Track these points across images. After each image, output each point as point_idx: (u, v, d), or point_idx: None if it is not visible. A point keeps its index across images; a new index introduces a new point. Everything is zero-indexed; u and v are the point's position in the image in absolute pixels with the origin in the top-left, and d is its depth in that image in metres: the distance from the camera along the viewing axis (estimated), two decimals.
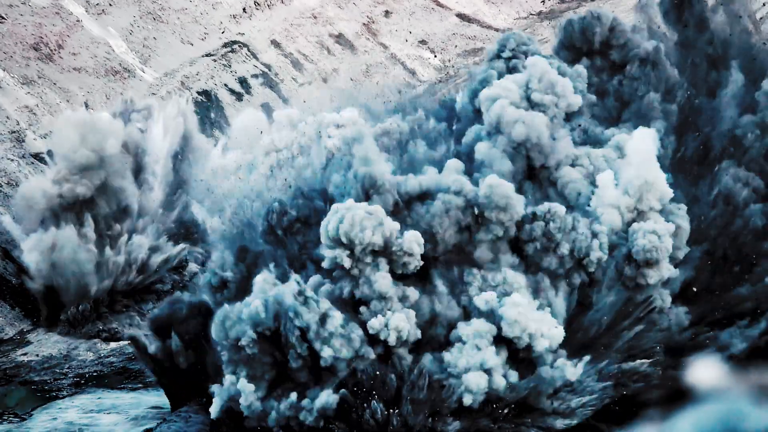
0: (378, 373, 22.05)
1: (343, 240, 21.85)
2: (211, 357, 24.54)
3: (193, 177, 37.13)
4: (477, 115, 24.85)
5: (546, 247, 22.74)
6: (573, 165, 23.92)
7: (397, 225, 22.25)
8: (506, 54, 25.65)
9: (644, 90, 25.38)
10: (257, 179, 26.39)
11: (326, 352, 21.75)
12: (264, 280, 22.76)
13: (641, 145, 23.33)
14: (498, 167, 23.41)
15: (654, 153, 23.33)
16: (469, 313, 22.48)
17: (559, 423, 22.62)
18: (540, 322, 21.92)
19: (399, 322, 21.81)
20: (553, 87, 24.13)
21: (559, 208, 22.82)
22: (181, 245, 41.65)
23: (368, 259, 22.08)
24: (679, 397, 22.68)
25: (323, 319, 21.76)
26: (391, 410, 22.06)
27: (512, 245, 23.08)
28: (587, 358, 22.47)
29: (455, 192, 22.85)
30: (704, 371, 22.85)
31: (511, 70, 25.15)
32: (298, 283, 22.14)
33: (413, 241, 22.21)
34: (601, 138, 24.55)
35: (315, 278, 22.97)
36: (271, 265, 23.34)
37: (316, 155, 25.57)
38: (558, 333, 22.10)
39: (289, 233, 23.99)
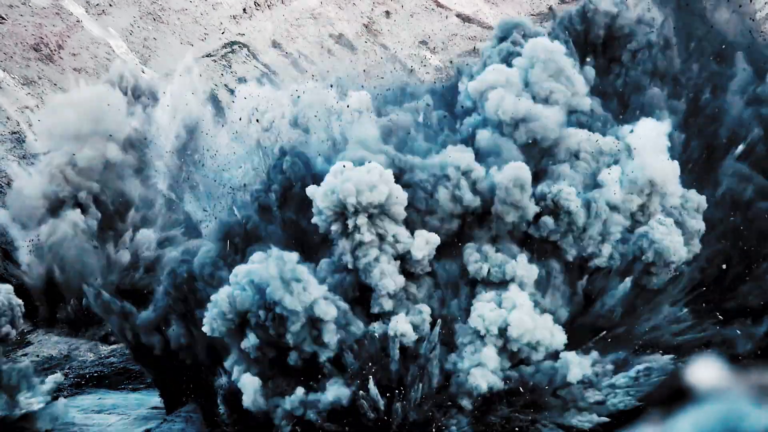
0: (375, 340, 21.00)
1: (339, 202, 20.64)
2: (204, 344, 23.68)
3: (197, 171, 36.17)
4: (475, 107, 23.58)
5: (550, 250, 22.38)
6: (576, 158, 22.97)
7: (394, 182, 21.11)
8: (506, 45, 24.09)
9: (649, 83, 24.67)
10: (250, 170, 25.42)
11: (324, 355, 21.17)
12: (259, 261, 21.32)
13: (648, 137, 22.50)
14: (507, 157, 22.10)
15: (663, 145, 22.59)
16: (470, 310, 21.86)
17: (574, 419, 21.98)
18: (542, 329, 21.51)
19: (402, 326, 21.20)
20: (566, 78, 22.82)
21: (571, 200, 21.83)
22: (196, 241, 38.75)
23: (371, 251, 21.19)
24: (679, 397, 22.56)
25: (312, 307, 20.64)
26: (396, 394, 21.14)
27: (518, 240, 22.41)
28: (595, 354, 22.11)
29: (463, 172, 21.69)
30: (705, 371, 22.77)
31: (510, 65, 23.57)
32: (284, 260, 20.91)
33: (424, 244, 21.42)
34: (605, 134, 23.66)
35: (323, 268, 21.87)
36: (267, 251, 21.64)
37: (315, 140, 24.18)
38: (559, 339, 21.82)
39: (287, 228, 23.13)
